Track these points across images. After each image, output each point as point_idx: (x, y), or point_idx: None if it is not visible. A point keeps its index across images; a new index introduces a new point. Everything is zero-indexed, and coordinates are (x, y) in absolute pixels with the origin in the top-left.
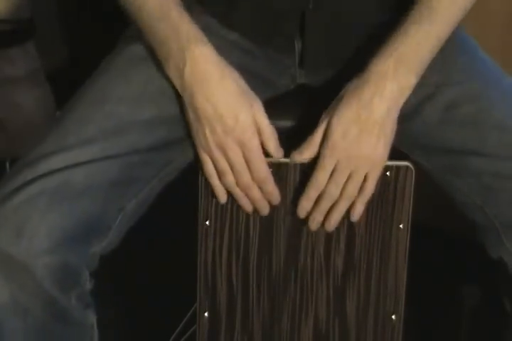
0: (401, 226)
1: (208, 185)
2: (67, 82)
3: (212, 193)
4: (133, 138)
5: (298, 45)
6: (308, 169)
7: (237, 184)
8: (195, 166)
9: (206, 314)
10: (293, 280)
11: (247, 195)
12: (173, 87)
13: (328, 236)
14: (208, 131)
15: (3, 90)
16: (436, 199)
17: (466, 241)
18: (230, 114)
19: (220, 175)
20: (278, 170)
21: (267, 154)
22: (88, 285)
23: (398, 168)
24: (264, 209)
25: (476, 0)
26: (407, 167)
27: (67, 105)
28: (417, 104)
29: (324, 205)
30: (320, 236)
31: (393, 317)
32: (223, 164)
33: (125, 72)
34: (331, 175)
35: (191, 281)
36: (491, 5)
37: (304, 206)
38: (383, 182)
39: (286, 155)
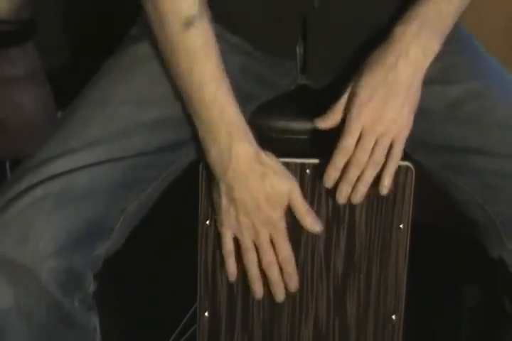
0: (401, 226)
1: (208, 184)
2: (67, 82)
3: (212, 193)
4: (137, 140)
5: (300, 50)
6: (308, 168)
7: (260, 262)
8: (196, 166)
9: (206, 314)
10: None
11: (267, 274)
12: (177, 88)
13: (328, 236)
14: (242, 218)
15: (3, 90)
16: (436, 199)
17: (466, 241)
18: (269, 206)
19: (243, 252)
20: None
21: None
22: (91, 287)
23: (398, 168)
24: (280, 294)
25: (476, 0)
26: (407, 167)
27: (70, 107)
28: (419, 102)
29: (353, 173)
30: (320, 236)
31: (393, 317)
32: (249, 242)
33: (128, 73)
34: (358, 141)
35: (191, 281)
36: (490, 5)
37: (331, 174)
38: None
39: (289, 156)
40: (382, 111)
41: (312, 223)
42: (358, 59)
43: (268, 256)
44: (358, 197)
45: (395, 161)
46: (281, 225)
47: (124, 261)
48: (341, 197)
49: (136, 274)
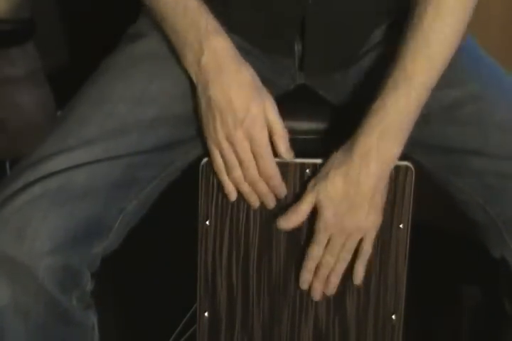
0: (401, 226)
1: (208, 184)
2: (67, 82)
3: (212, 193)
4: (134, 138)
5: (298, 48)
6: (308, 168)
7: (244, 179)
8: (196, 166)
9: (206, 314)
10: (293, 280)
11: (254, 188)
12: (175, 87)
13: None
14: (218, 123)
15: (3, 90)
16: (437, 199)
17: (466, 241)
18: (242, 107)
19: (228, 170)
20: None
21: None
22: (89, 286)
23: (398, 167)
24: (271, 204)
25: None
26: (406, 167)
27: (68, 105)
28: None
29: (323, 274)
30: None
31: (393, 317)
32: (232, 158)
33: (126, 72)
34: (326, 245)
35: (191, 281)
36: (490, 5)
37: (306, 278)
38: None
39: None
40: (347, 223)
41: (286, 148)
42: (356, 55)
43: (251, 172)
44: (332, 289)
45: (365, 257)
46: (262, 140)
47: (124, 261)
48: (316, 295)
49: (137, 274)
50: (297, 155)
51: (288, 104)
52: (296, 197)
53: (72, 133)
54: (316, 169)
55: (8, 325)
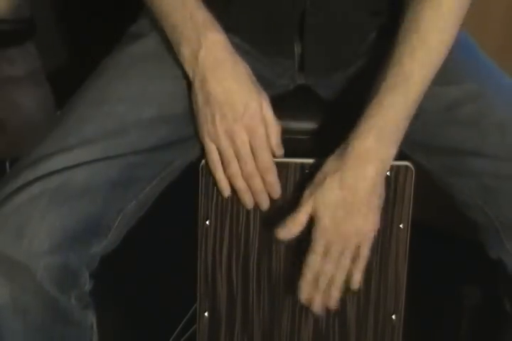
0: (401, 226)
1: (208, 184)
2: (67, 82)
3: (212, 193)
4: (133, 138)
5: (297, 49)
6: (308, 168)
7: (241, 173)
8: (195, 166)
9: (206, 314)
10: (293, 280)
11: (248, 186)
12: (175, 86)
13: None
14: (217, 117)
15: (3, 90)
16: (437, 199)
17: (466, 241)
18: (241, 100)
19: (225, 165)
20: (278, 171)
21: None
22: (88, 285)
23: (398, 167)
24: (264, 203)
25: (476, 1)
26: (406, 167)
27: (68, 105)
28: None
29: (323, 285)
30: None
31: (393, 317)
32: (229, 152)
33: (125, 72)
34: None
35: (191, 281)
36: (490, 5)
37: (305, 289)
38: None
39: (289, 156)
40: (345, 229)
41: (277, 144)
42: (356, 55)
43: (248, 165)
44: (333, 302)
45: (363, 262)
46: (260, 132)
47: (124, 261)
48: (317, 307)
49: (137, 274)
50: (297, 155)
51: (288, 104)
52: (295, 197)
53: (72, 132)
54: (315, 169)
55: (6, 324)
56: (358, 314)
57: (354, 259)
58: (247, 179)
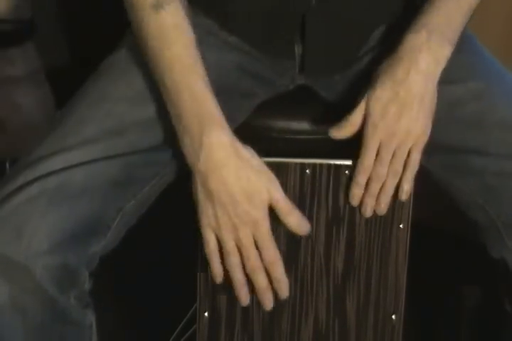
0: (401, 226)
1: None
2: (67, 82)
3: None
4: (133, 138)
5: (298, 49)
6: (309, 169)
7: (245, 267)
8: None
9: (206, 314)
10: (293, 280)
11: (253, 280)
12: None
13: (328, 236)
14: (220, 213)
15: (3, 90)
16: (437, 199)
17: (466, 241)
18: (246, 200)
19: (225, 256)
20: (278, 171)
21: (267, 154)
22: (87, 285)
23: None
24: (268, 303)
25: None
26: None
27: (67, 105)
28: None
29: (375, 188)
30: (320, 236)
31: (393, 317)
32: (232, 245)
33: (125, 72)
34: (376, 155)
35: (191, 281)
36: (490, 5)
37: (356, 193)
38: None
39: (289, 156)
40: (396, 126)
41: (297, 224)
42: (356, 57)
43: (252, 260)
44: (383, 208)
45: (413, 169)
46: (264, 225)
47: (124, 261)
48: (367, 211)
49: (137, 274)
50: (297, 155)
51: (288, 104)
52: (296, 197)
53: (71, 132)
54: (316, 169)
55: (5, 324)
56: (358, 314)
57: (405, 166)
58: (250, 273)
